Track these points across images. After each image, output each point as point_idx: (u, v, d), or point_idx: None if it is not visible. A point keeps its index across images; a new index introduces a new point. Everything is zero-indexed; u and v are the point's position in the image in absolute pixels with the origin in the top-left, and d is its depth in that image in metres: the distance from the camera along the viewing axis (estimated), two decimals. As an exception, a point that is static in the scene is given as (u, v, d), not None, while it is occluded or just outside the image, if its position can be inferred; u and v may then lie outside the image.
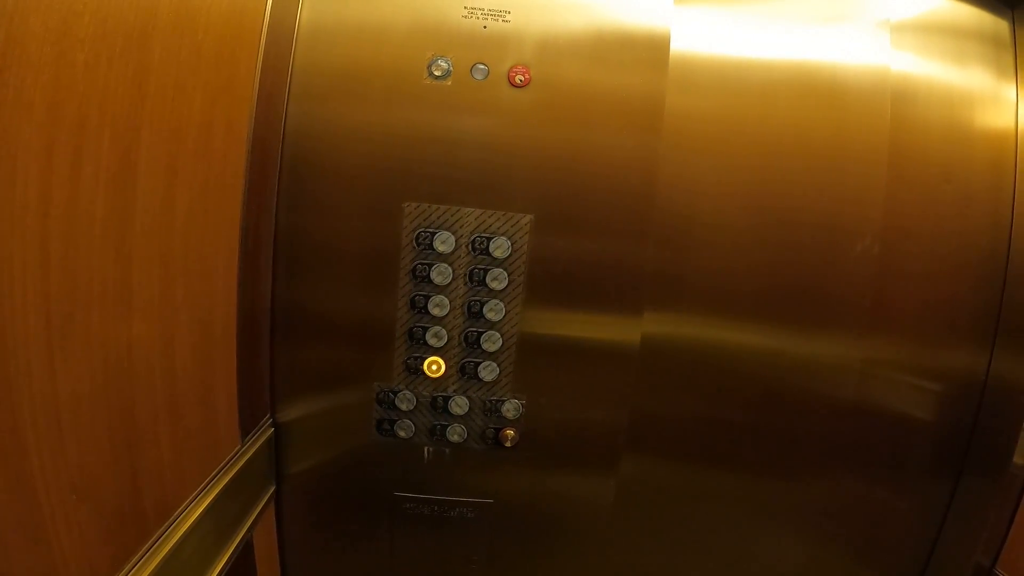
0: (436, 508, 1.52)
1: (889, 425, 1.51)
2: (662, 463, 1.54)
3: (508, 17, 1.36)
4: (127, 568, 0.92)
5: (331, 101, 1.36)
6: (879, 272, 1.43)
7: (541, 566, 1.60)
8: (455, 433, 1.47)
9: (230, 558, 1.20)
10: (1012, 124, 1.45)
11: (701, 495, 1.56)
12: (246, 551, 1.33)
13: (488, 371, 1.44)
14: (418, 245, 1.39)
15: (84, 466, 0.82)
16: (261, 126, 1.24)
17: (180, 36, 0.94)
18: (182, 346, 1.05)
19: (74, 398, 0.80)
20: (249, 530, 1.31)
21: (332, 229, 1.38)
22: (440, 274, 1.39)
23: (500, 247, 1.39)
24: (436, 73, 1.35)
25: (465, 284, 1.41)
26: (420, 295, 1.41)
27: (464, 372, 1.45)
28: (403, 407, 1.46)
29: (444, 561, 1.57)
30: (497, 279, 1.40)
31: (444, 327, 1.42)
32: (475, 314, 1.42)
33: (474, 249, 1.40)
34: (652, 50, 1.39)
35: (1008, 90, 1.46)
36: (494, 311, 1.41)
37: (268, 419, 1.44)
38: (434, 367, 1.44)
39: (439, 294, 1.41)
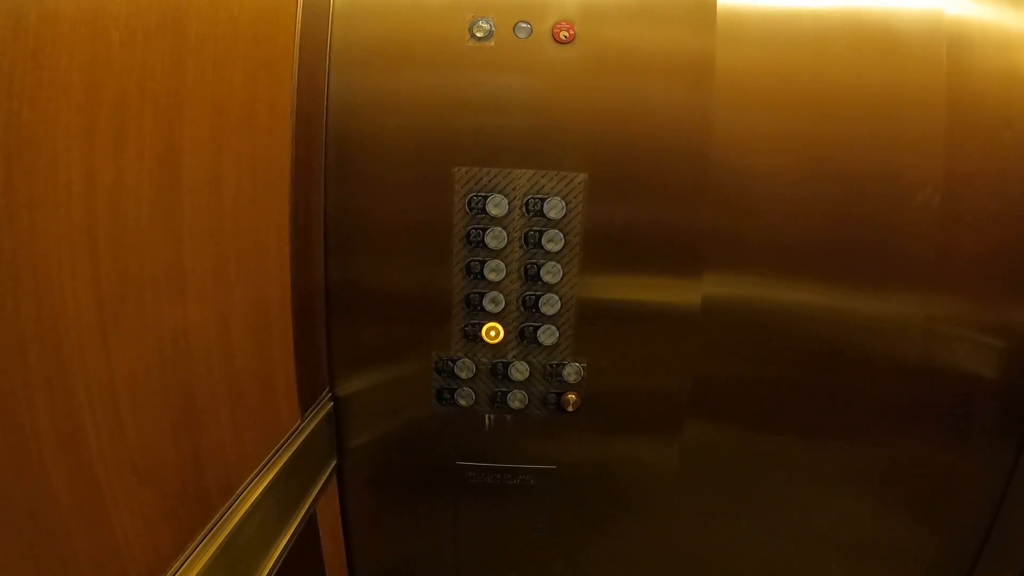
0: (499, 476, 1.52)
1: (954, 384, 1.47)
2: (726, 427, 1.51)
3: (549, -27, 1.33)
4: (191, 547, 0.93)
5: (372, 72, 1.34)
6: (941, 222, 1.37)
7: (606, 532, 1.59)
8: (516, 399, 1.46)
9: (295, 532, 1.20)
10: (1071, 67, 1.38)
11: (765, 458, 1.53)
12: (310, 525, 1.35)
13: (547, 335, 1.42)
14: (470, 210, 1.37)
15: (144, 448, 0.83)
16: (304, 101, 1.23)
17: (215, 11, 0.92)
18: (238, 324, 1.05)
19: (131, 380, 0.80)
20: (312, 504, 1.32)
21: (382, 200, 1.37)
22: (495, 238, 1.37)
23: (555, 207, 1.36)
24: (478, 34, 1.32)
25: (520, 247, 1.39)
26: (475, 260, 1.39)
27: (523, 337, 1.43)
28: (462, 375, 1.45)
29: (508, 529, 1.57)
30: (553, 240, 1.38)
31: (501, 292, 1.41)
32: (532, 277, 1.40)
33: (528, 211, 1.37)
34: (699, 1, 1.34)
35: (1066, 31, 1.39)
36: (551, 273, 1.39)
37: (327, 394, 1.44)
38: (492, 333, 1.43)
39: (494, 258, 1.39)
